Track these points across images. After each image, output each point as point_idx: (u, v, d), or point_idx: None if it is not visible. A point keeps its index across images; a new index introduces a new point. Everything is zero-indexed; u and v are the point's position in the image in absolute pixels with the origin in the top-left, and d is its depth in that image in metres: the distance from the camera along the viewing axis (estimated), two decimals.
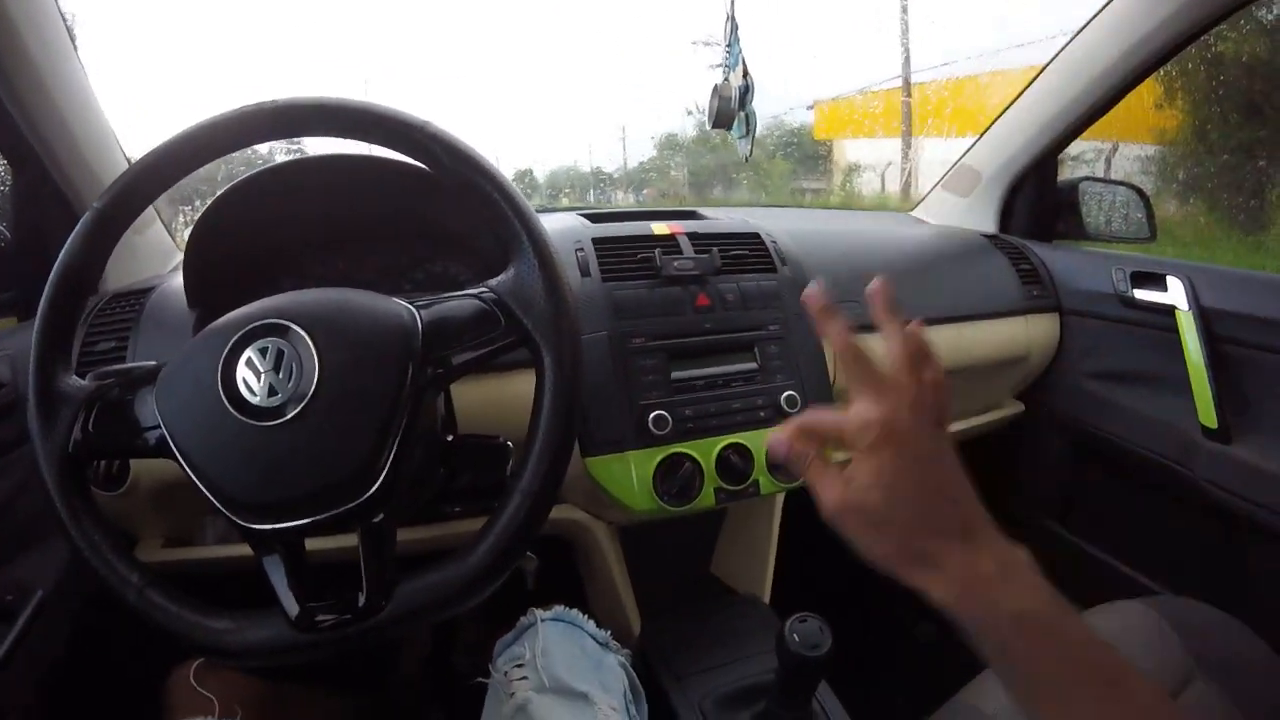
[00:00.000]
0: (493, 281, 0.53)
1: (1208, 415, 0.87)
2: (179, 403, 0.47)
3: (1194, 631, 0.67)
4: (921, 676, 1.11)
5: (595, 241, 0.79)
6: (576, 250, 0.78)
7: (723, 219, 0.91)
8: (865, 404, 0.38)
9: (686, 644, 0.80)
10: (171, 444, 0.46)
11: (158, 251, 0.96)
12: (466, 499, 0.73)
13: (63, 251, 0.51)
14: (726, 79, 0.77)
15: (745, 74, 0.76)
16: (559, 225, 0.83)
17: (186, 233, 1.03)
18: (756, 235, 0.85)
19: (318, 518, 0.45)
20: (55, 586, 0.68)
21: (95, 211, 0.52)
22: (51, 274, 0.51)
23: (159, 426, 0.47)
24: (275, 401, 0.44)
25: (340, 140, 0.58)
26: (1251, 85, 2.20)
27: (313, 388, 0.44)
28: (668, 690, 0.74)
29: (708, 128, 0.77)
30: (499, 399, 0.72)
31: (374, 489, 0.45)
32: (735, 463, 0.73)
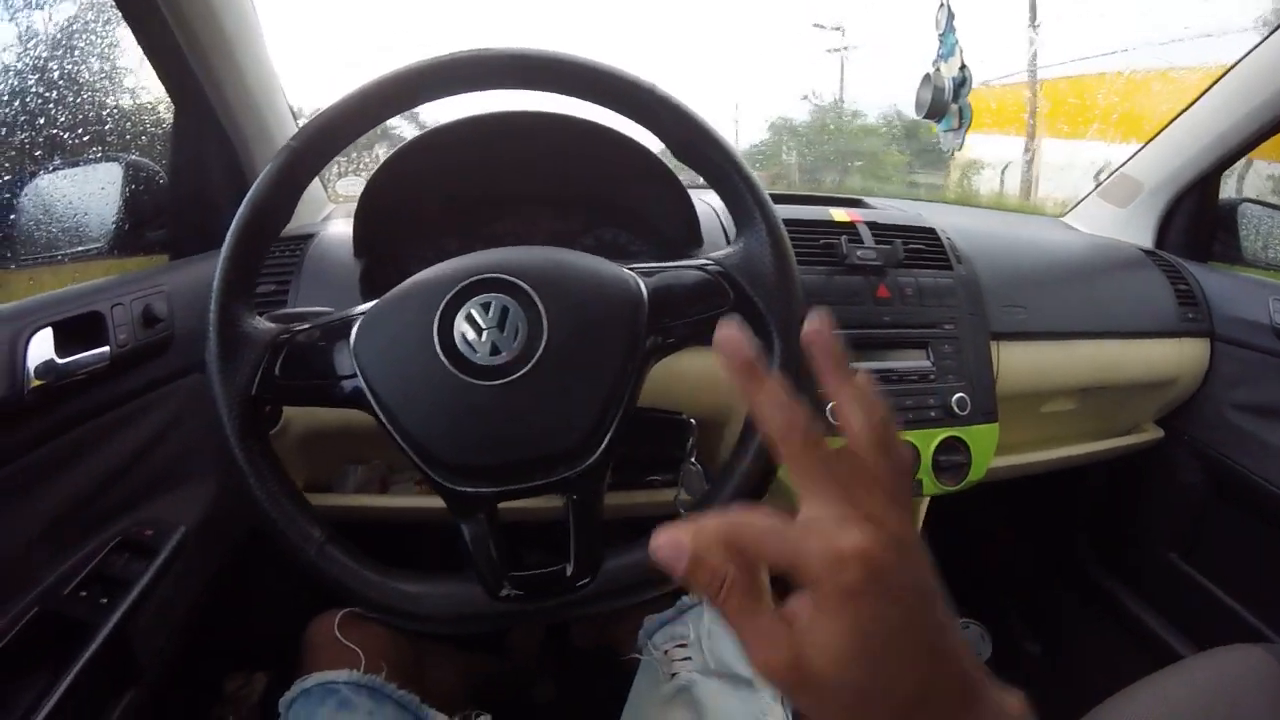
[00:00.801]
0: (718, 254, 0.52)
1: None
2: (384, 354, 0.45)
3: None
4: (1030, 694, 1.10)
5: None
6: None
7: (891, 210, 0.89)
8: (825, 514, 0.24)
9: None
10: (371, 396, 0.44)
11: (310, 201, 0.96)
12: (642, 469, 0.73)
13: (252, 190, 0.49)
14: (938, 69, 0.74)
15: (962, 65, 0.73)
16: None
17: (339, 183, 1.05)
18: (933, 231, 0.83)
19: (530, 485, 0.43)
20: (198, 526, 0.68)
21: (289, 151, 0.49)
22: (240, 212, 0.49)
23: (355, 376, 0.45)
24: (498, 360, 0.43)
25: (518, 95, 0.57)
26: None
27: (540, 349, 0.43)
28: None
29: (917, 116, 0.74)
30: (669, 373, 0.72)
31: (593, 459, 0.44)
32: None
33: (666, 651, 0.64)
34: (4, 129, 0.75)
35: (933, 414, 0.74)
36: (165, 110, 0.84)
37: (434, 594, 0.45)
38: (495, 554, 0.44)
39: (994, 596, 1.35)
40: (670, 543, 0.24)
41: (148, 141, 0.87)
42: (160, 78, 0.77)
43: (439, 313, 0.44)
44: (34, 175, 0.80)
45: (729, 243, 0.54)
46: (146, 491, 0.66)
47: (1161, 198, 1.10)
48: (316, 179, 0.98)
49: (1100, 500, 1.19)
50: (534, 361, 0.42)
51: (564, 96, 0.53)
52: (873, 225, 0.79)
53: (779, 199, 0.85)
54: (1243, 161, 1.13)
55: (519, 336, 0.43)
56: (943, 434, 0.74)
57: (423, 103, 0.52)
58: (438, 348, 0.43)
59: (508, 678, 1.00)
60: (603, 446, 0.44)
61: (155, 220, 0.85)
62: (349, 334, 0.46)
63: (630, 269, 0.50)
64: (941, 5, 0.72)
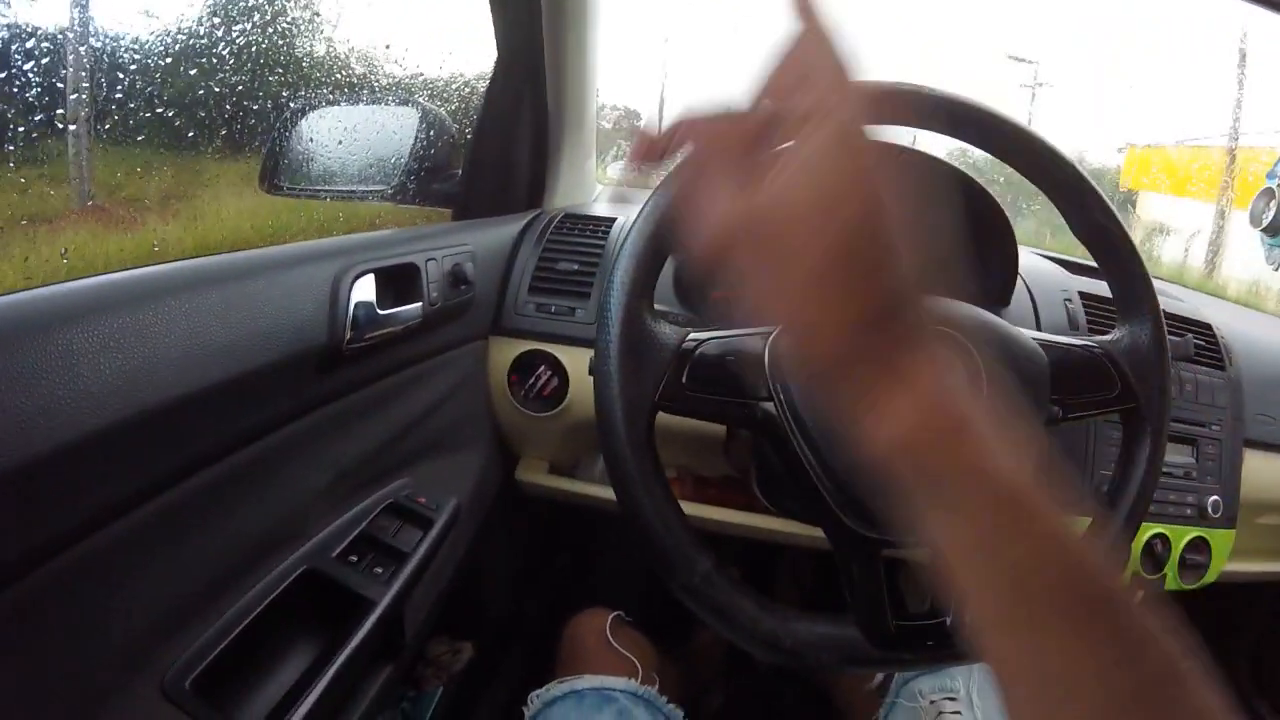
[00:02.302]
0: (1107, 339, 0.53)
1: None
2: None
3: None
4: None
5: (1083, 296, 0.78)
6: (1065, 301, 0.77)
7: (1164, 296, 0.88)
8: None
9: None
10: (791, 425, 0.44)
11: (582, 179, 0.96)
12: None
13: (667, 181, 0.47)
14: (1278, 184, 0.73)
15: None
16: (1039, 268, 0.82)
17: (611, 167, 1.06)
18: (1210, 326, 0.82)
19: None
20: (469, 498, 0.68)
21: None
22: (651, 204, 0.48)
23: (772, 400, 0.44)
24: None
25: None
26: None
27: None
28: None
29: (1252, 227, 0.73)
30: None
31: None
32: (1159, 552, 0.73)
33: (933, 701, 0.62)
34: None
35: (1189, 512, 0.75)
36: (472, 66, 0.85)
37: (815, 634, 0.45)
38: (885, 600, 0.44)
39: None
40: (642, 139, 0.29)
41: (452, 93, 0.89)
42: (496, 25, 0.76)
43: None
44: (333, 105, 0.82)
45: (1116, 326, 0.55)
46: (418, 456, 0.65)
47: None
48: (594, 162, 0.99)
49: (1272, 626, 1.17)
50: None
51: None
52: (1167, 315, 0.79)
53: (1065, 265, 0.86)
54: None
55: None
56: (1193, 533, 0.75)
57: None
58: None
59: (687, 678, 1.01)
60: None
61: (443, 174, 0.86)
62: (762, 354, 0.46)
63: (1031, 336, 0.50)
64: None
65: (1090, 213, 0.53)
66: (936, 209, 0.74)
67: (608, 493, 0.80)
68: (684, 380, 0.46)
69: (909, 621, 0.45)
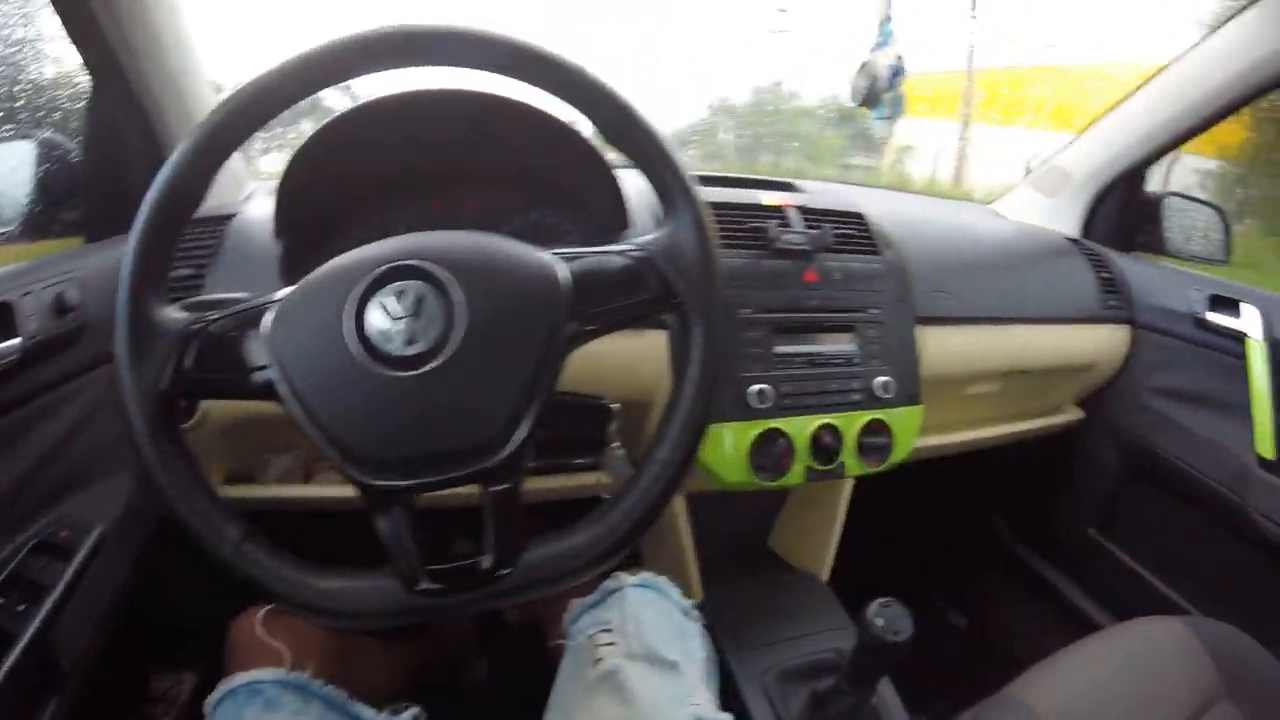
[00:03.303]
0: (643, 239, 0.51)
1: (1266, 446, 0.87)
2: (299, 344, 0.43)
3: (1226, 654, 0.70)
4: (956, 666, 1.14)
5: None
6: None
7: (822, 194, 0.89)
8: None
9: (749, 616, 0.82)
10: (287, 389, 0.43)
11: (231, 179, 0.91)
12: (562, 453, 0.73)
13: (165, 169, 0.46)
14: (875, 58, 0.75)
15: (898, 55, 0.74)
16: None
17: (263, 160, 1.01)
18: (861, 216, 0.84)
19: (446, 477, 0.42)
20: (115, 524, 0.66)
21: (206, 126, 0.46)
22: (151, 193, 0.46)
23: (269, 368, 0.43)
24: (414, 350, 0.41)
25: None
26: None
27: (460, 339, 0.41)
28: (731, 662, 0.76)
29: (851, 104, 0.74)
30: (592, 357, 0.71)
31: (509, 450, 0.42)
32: (827, 443, 0.73)
33: (591, 637, 0.64)
34: None
35: (856, 397, 0.76)
36: (85, 84, 0.80)
37: (352, 590, 0.44)
38: (412, 548, 0.43)
39: (919, 573, 1.40)
40: None
41: (62, 118, 0.83)
42: (78, 48, 0.73)
43: (354, 301, 0.42)
44: None
45: (658, 226, 0.54)
46: (62, 490, 0.63)
47: (1089, 189, 1.13)
48: (239, 155, 0.95)
49: (1020, 479, 1.25)
50: (450, 350, 0.41)
51: (492, 75, 0.52)
52: (802, 209, 0.80)
53: (708, 181, 0.86)
54: (1170, 155, 1.17)
55: (435, 325, 0.42)
56: (866, 417, 0.76)
57: (349, 79, 0.50)
58: (353, 337, 0.42)
59: (443, 662, 1.00)
60: (520, 437, 0.43)
61: (70, 201, 0.81)
62: (262, 323, 0.44)
63: (555, 253, 0.48)
64: None
65: (604, 113, 0.50)
66: (515, 146, 0.71)
67: (288, 492, 0.77)
68: (188, 364, 0.45)
69: (443, 566, 0.44)
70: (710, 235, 0.50)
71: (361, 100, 0.68)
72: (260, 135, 0.63)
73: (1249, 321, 0.92)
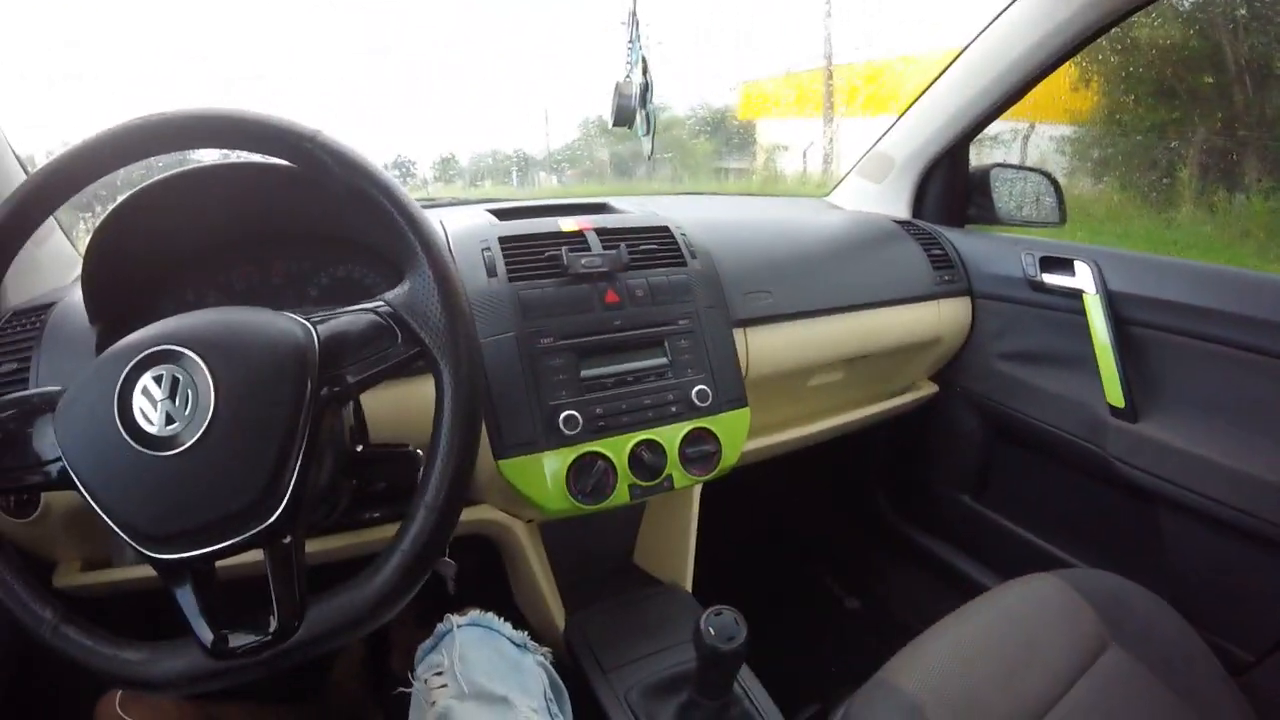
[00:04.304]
0: (389, 295, 0.53)
1: (1115, 395, 0.91)
2: (78, 433, 0.46)
3: (1108, 603, 0.71)
4: (851, 646, 1.16)
5: (502, 241, 0.78)
6: (483, 250, 0.77)
7: (634, 211, 0.91)
8: None
9: (611, 635, 0.82)
10: (74, 476, 0.45)
11: (59, 262, 0.90)
12: (383, 504, 0.72)
13: None
14: (628, 76, 0.77)
15: (645, 71, 0.76)
16: (466, 224, 0.82)
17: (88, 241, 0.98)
18: (666, 229, 0.85)
19: (223, 545, 0.44)
20: None
21: None
22: None
23: (60, 459, 0.46)
24: (172, 430, 0.44)
25: None
26: (1164, 69, 2.30)
27: (209, 414, 0.44)
28: (594, 684, 0.76)
29: (610, 126, 0.76)
30: (409, 404, 0.71)
31: (278, 512, 0.45)
32: (648, 459, 0.74)
33: (426, 681, 0.65)
34: None
35: (674, 409, 0.77)
36: None
37: (162, 660, 0.46)
38: (209, 615, 0.46)
39: (811, 559, 1.42)
40: None
41: None
42: None
43: (118, 388, 0.45)
44: None
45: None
46: None
47: (912, 170, 1.18)
48: (64, 238, 0.93)
49: (894, 456, 1.28)
50: (205, 427, 0.44)
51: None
52: (601, 231, 0.81)
53: (507, 214, 0.87)
54: (1026, 126, 1.23)
55: (190, 404, 0.44)
56: (688, 427, 0.77)
57: (103, 175, 0.52)
58: (119, 424, 0.44)
59: (335, 717, 0.97)
60: (286, 498, 0.45)
61: None
62: (53, 413, 0.47)
63: (307, 317, 0.51)
64: (630, 15, 0.75)
65: (341, 176, 0.52)
66: (308, 204, 0.71)
67: (149, 572, 0.75)
68: None
69: (236, 631, 0.46)
70: (451, 281, 0.52)
71: (145, 181, 0.68)
72: (84, 216, 0.62)
73: (1083, 278, 0.96)
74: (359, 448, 0.63)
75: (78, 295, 0.75)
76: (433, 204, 1.09)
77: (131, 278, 0.72)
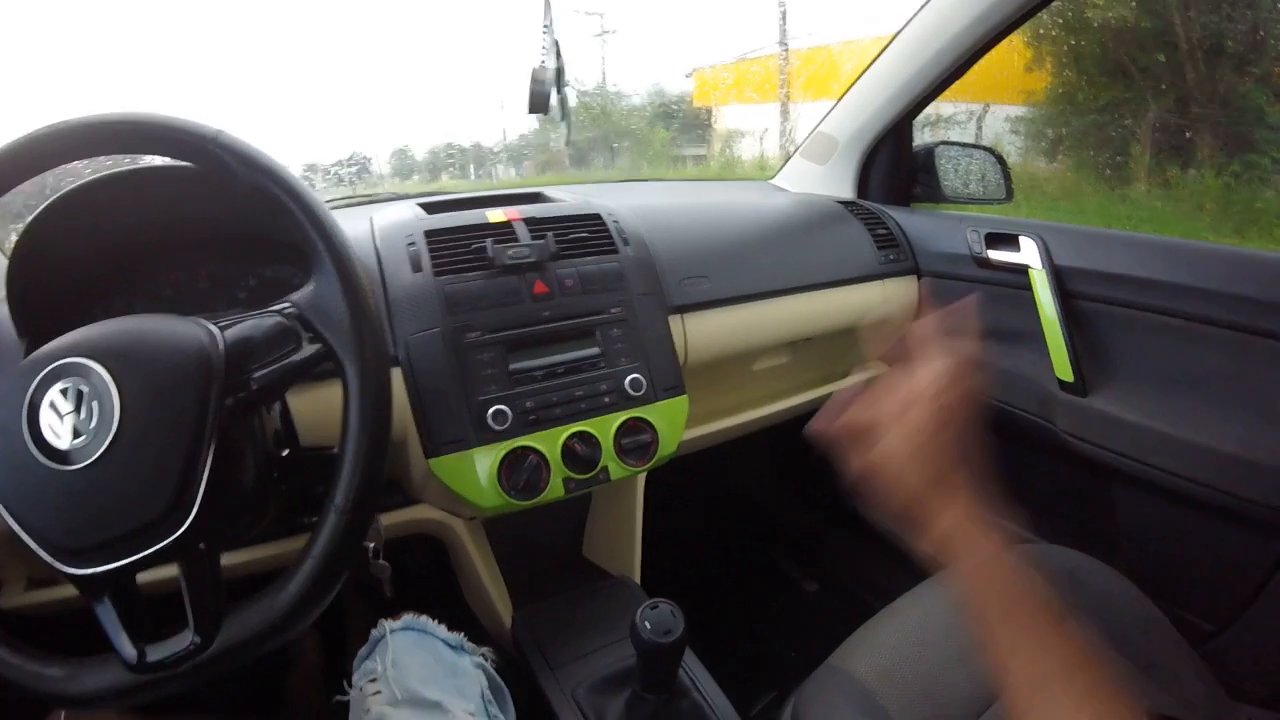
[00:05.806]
0: (295, 295, 0.52)
1: (1063, 369, 0.91)
2: None
3: (1064, 577, 0.71)
4: (810, 629, 1.16)
5: (428, 234, 0.76)
6: (408, 245, 0.75)
7: (566, 200, 0.90)
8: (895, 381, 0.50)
9: (559, 631, 0.81)
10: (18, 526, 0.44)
11: None
12: (311, 509, 0.71)
13: None
14: (543, 63, 0.75)
15: (558, 56, 0.75)
16: (393, 219, 0.80)
17: None
18: (597, 216, 0.84)
19: (137, 557, 0.44)
20: None
21: None
22: None
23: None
24: (80, 443, 0.43)
25: None
26: (1117, 48, 2.33)
27: (114, 426, 0.44)
28: (541, 681, 0.75)
29: (525, 113, 0.75)
30: (329, 407, 0.70)
31: (189, 521, 0.45)
32: (581, 451, 0.73)
33: (362, 688, 0.64)
34: None
35: (607, 399, 0.76)
36: None
37: (83, 675, 0.46)
38: (129, 629, 0.45)
39: (765, 545, 1.42)
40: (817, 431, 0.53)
41: None
42: None
43: (26, 403, 0.44)
44: None
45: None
46: None
47: (855, 151, 1.17)
48: None
49: None
50: (111, 438, 0.43)
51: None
52: (529, 221, 0.80)
53: (436, 207, 0.85)
54: (980, 107, 1.22)
55: (96, 416, 0.44)
56: (622, 417, 0.76)
57: (13, 186, 0.52)
58: (28, 439, 0.44)
59: None
60: (196, 506, 0.45)
61: None
62: None
63: (215, 322, 0.50)
64: (546, 3, 0.73)
65: (243, 175, 0.50)
66: (227, 206, 0.69)
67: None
68: None
69: (155, 644, 0.46)
70: (355, 280, 0.52)
71: (61, 191, 0.66)
72: (15, 227, 0.61)
73: (1028, 253, 0.96)
74: (285, 451, 0.62)
75: (4, 309, 0.73)
76: (370, 199, 1.06)
77: (60, 287, 0.70)
